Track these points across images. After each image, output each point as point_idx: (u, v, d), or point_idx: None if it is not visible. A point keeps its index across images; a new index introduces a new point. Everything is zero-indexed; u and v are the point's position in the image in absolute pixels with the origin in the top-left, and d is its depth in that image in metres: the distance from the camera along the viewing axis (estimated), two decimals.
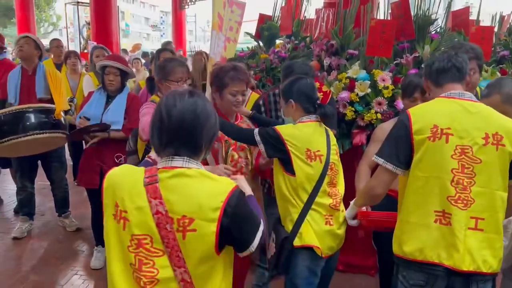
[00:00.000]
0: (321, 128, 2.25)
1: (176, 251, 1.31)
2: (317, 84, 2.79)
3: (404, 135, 1.86)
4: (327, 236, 2.20)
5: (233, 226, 1.34)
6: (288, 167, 2.15)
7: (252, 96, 3.30)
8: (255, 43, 4.74)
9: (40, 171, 4.18)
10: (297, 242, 2.15)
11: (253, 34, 4.67)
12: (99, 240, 3.54)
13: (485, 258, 1.78)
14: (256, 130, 2.23)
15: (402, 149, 1.87)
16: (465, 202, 1.78)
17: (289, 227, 2.17)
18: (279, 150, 2.16)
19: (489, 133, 1.80)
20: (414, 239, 1.85)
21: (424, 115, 1.87)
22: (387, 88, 3.16)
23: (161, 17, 37.59)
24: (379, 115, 3.11)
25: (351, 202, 2.20)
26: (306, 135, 2.17)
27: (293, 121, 2.27)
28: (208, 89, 3.69)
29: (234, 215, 1.33)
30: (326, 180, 2.19)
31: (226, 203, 1.32)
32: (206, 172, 1.39)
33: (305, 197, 2.15)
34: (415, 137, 1.83)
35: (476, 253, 1.77)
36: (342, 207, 2.28)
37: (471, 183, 1.78)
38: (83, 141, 3.40)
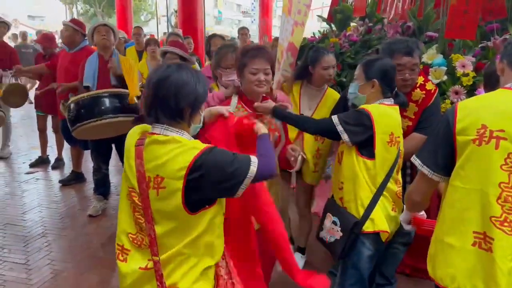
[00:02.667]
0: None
1: (147, 207, 1.52)
2: (421, 78, 2.52)
3: (445, 134, 1.52)
4: (392, 222, 2.18)
5: (204, 181, 1.48)
6: (367, 150, 2.07)
7: (330, 93, 2.99)
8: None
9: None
10: (368, 228, 2.11)
11: (326, 17, 4.43)
12: None
13: None
14: (336, 118, 2.13)
15: (441, 151, 1.54)
16: None
17: (360, 211, 2.12)
18: (365, 133, 2.06)
19: None
20: (446, 263, 1.53)
21: (474, 110, 1.49)
22: (467, 75, 2.79)
23: (252, 3, 37.95)
24: None
25: (404, 206, 1.97)
26: (392, 117, 2.12)
27: (363, 102, 2.18)
28: (276, 74, 3.58)
29: (203, 172, 1.48)
30: (396, 168, 2.15)
31: (192, 163, 1.47)
32: (179, 137, 1.53)
33: (378, 182, 2.11)
34: (458, 138, 1.48)
35: None
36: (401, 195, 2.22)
37: None
38: None
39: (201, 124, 1.67)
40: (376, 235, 2.14)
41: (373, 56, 2.28)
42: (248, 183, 1.57)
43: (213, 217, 1.57)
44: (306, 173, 2.97)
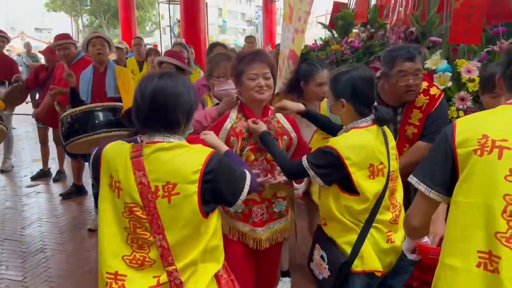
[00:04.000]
0: (379, 131, 1.91)
1: (156, 218, 1.46)
2: (424, 84, 2.40)
3: (444, 148, 1.40)
4: (388, 255, 1.94)
5: (216, 183, 1.50)
6: (348, 186, 1.84)
7: (323, 107, 2.69)
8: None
9: None
10: (357, 267, 1.87)
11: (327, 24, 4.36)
12: None
13: None
14: (306, 162, 1.88)
15: (440, 166, 1.40)
16: None
17: (346, 250, 1.89)
18: (336, 172, 1.83)
19: None
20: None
21: (474, 123, 1.39)
22: (472, 81, 2.69)
23: (256, 12, 38.13)
24: (461, 113, 2.65)
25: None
26: (368, 148, 1.83)
27: (339, 121, 1.97)
28: (277, 82, 3.50)
29: (215, 174, 1.49)
30: (387, 193, 1.89)
31: (205, 165, 1.47)
32: (184, 143, 1.54)
33: (364, 217, 1.87)
34: (459, 151, 1.35)
35: None
36: (402, 217, 1.97)
37: None
38: None
39: (192, 130, 1.66)
40: (369, 273, 1.90)
41: (342, 68, 1.99)
42: (246, 194, 1.61)
43: (216, 219, 1.58)
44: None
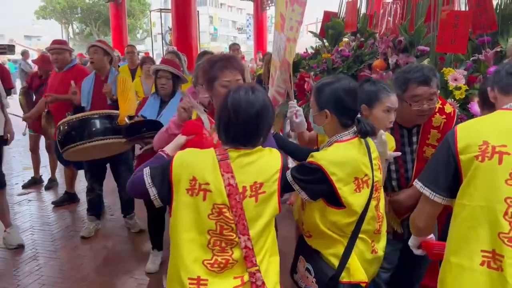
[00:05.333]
0: (361, 142, 1.90)
1: (242, 219, 1.54)
2: (438, 102, 2.27)
3: (446, 154, 1.52)
4: (373, 265, 1.98)
5: (286, 180, 1.74)
6: (333, 199, 1.83)
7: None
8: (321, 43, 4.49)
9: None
10: (345, 278, 1.87)
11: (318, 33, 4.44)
12: (155, 244, 3.58)
13: None
14: (290, 176, 1.84)
15: (443, 171, 1.53)
16: None
17: (333, 262, 1.89)
18: (323, 188, 1.81)
19: None
20: (455, 285, 1.48)
21: (474, 129, 1.50)
22: (459, 88, 2.77)
23: (247, 20, 38.33)
24: None
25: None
26: (352, 161, 1.82)
27: (323, 132, 1.99)
28: (270, 90, 3.55)
29: (285, 172, 1.71)
30: (372, 203, 1.90)
31: (282, 164, 1.66)
32: (260, 147, 1.66)
33: (350, 229, 1.87)
34: (462, 157, 1.47)
35: None
36: (384, 227, 2.01)
37: None
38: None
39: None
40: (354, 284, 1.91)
41: (327, 79, 1.97)
42: None
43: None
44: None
